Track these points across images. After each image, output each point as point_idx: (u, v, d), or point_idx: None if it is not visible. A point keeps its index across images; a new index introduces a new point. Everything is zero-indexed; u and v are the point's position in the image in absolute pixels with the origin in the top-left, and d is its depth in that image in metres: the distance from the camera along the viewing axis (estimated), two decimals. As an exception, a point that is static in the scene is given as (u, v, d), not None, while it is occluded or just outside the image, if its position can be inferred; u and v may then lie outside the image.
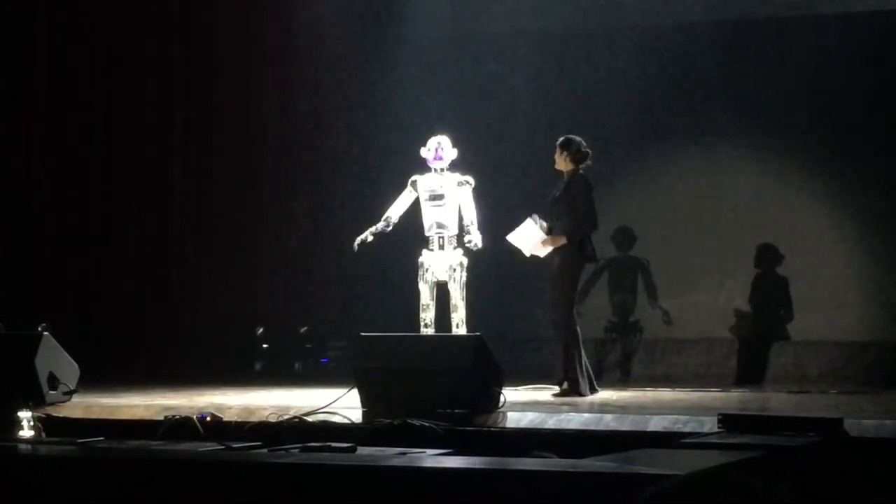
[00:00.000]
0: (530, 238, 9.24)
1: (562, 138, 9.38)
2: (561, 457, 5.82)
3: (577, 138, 9.36)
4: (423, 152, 9.49)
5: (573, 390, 9.02)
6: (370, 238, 9.48)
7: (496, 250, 11.64)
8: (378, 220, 9.62)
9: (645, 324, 12.45)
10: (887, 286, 12.11)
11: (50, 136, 12.36)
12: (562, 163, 9.30)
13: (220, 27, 13.02)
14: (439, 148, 9.43)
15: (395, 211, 9.54)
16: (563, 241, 9.15)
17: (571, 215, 9.17)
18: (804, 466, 5.82)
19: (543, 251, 9.23)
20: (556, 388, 9.19)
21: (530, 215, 9.30)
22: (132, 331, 12.26)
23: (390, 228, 9.49)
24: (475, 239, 9.25)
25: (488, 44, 13.22)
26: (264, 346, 12.58)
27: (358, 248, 9.49)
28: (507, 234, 9.38)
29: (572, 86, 12.72)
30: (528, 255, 9.33)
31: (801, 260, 12.12)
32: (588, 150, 9.33)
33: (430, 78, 13.01)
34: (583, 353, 9.19)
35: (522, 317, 12.38)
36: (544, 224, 9.23)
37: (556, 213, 9.24)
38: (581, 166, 9.31)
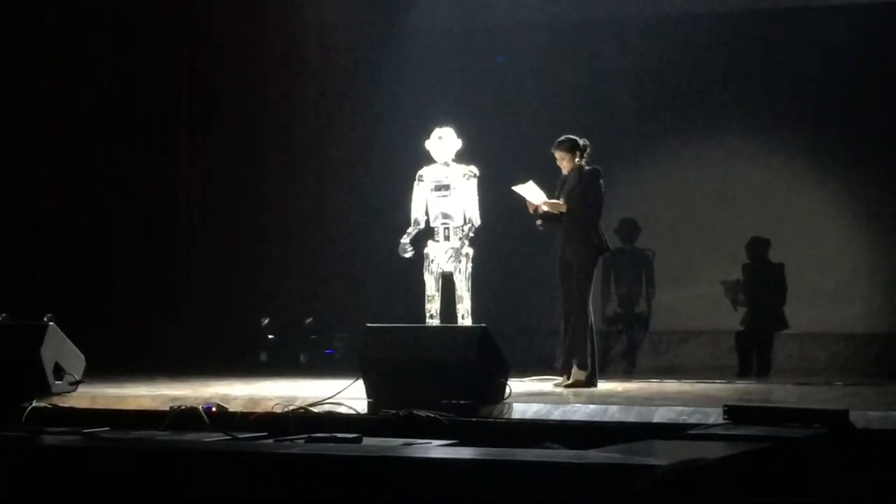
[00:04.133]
0: (534, 195, 9.22)
1: (562, 140, 9.29)
2: (566, 448, 5.83)
3: (569, 136, 9.32)
4: (427, 144, 9.49)
5: (589, 382, 9.03)
6: (408, 242, 9.42)
7: (502, 241, 11.66)
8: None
9: (650, 316, 12.45)
10: (891, 278, 12.11)
11: (55, 130, 12.36)
12: (569, 164, 9.26)
13: (226, 18, 13.01)
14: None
15: (419, 211, 9.47)
16: (562, 207, 9.13)
17: (584, 206, 9.16)
18: (809, 458, 5.82)
19: (542, 207, 9.21)
20: (559, 378, 9.20)
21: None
22: (138, 321, 12.27)
23: (422, 226, 9.47)
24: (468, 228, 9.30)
25: (494, 35, 13.22)
26: (270, 336, 12.60)
27: (406, 253, 9.41)
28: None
29: (578, 77, 12.73)
30: (537, 202, 9.24)
31: (807, 252, 12.13)
32: (583, 141, 9.30)
33: (436, 69, 13.02)
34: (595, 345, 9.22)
35: (528, 308, 12.39)
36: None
37: (573, 212, 9.17)
38: (585, 159, 9.30)
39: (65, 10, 12.39)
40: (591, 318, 9.18)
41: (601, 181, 9.24)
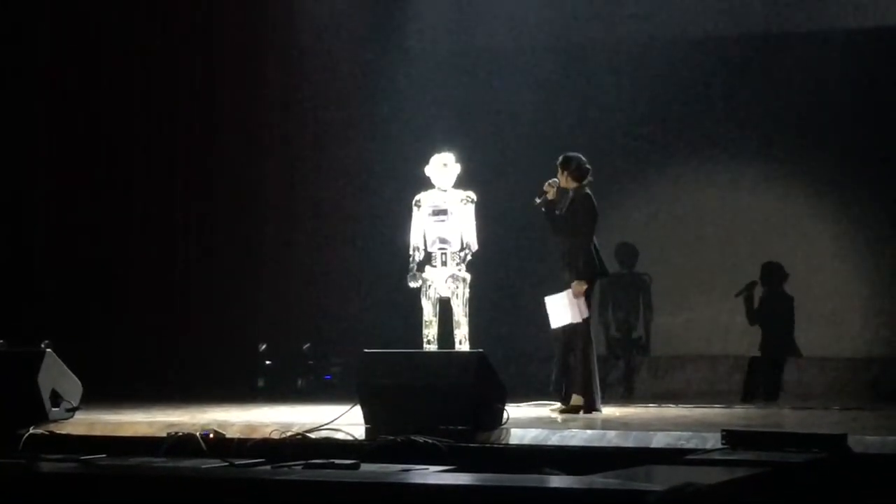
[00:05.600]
0: (561, 308, 9.15)
1: (561, 157, 9.36)
2: (564, 473, 5.82)
3: (577, 155, 9.34)
4: (428, 170, 9.50)
5: (590, 408, 9.01)
6: (416, 270, 9.43)
7: (499, 266, 11.65)
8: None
9: (648, 340, 12.44)
10: (890, 302, 12.11)
11: (52, 154, 12.37)
12: (564, 181, 9.30)
13: (223, 40, 13.04)
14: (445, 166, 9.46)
15: (418, 238, 9.48)
16: (584, 286, 9.10)
17: (575, 231, 9.17)
18: (808, 483, 5.81)
19: (574, 309, 9.13)
20: (557, 404, 9.18)
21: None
22: (135, 347, 12.25)
23: (422, 252, 9.48)
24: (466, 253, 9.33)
25: (491, 58, 13.24)
26: (267, 362, 12.56)
27: (416, 282, 9.40)
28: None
29: (575, 101, 12.73)
30: (553, 325, 9.23)
31: (804, 276, 12.11)
32: (589, 166, 9.32)
33: (433, 93, 13.03)
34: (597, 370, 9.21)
35: (525, 333, 12.37)
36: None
37: (562, 230, 9.22)
38: (584, 182, 9.30)
39: (64, 18, 12.40)
40: (593, 343, 9.18)
41: (594, 206, 9.22)
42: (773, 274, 12.02)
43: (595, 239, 9.23)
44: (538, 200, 9.26)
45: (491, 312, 11.43)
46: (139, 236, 12.72)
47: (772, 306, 12.01)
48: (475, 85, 13.18)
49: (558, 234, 9.27)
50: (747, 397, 11.52)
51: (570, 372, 9.12)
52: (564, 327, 9.14)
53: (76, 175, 12.43)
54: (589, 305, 9.22)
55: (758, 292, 12.02)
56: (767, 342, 11.96)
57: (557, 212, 9.26)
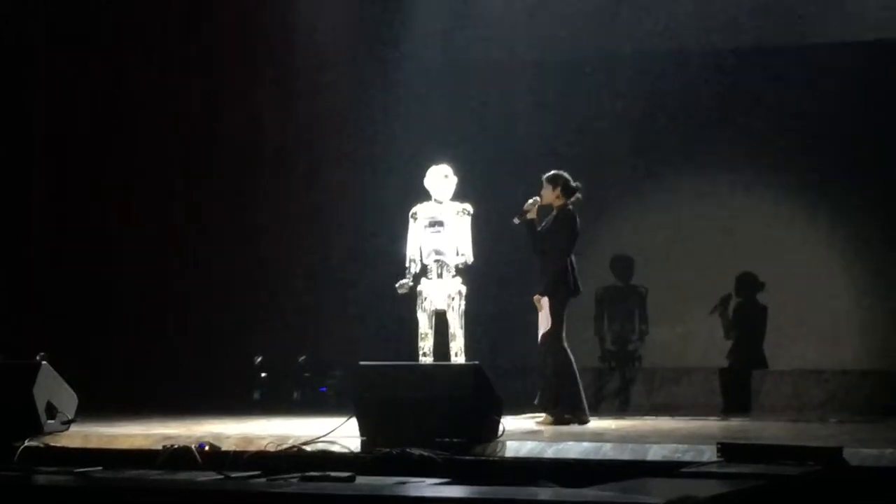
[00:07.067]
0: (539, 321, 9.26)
1: (550, 173, 9.37)
2: (561, 486, 5.82)
3: (563, 173, 9.35)
4: (427, 182, 9.51)
5: (577, 418, 9.01)
6: (410, 282, 9.46)
7: (494, 279, 11.65)
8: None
9: (643, 353, 12.44)
10: (885, 315, 12.11)
11: (49, 164, 12.37)
12: (552, 197, 9.30)
13: (220, 45, 13.05)
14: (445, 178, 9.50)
15: (414, 250, 9.52)
16: (544, 301, 9.16)
17: (552, 247, 9.19)
18: (803, 496, 5.82)
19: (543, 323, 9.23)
20: (542, 416, 9.19)
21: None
22: (131, 359, 12.24)
23: (419, 266, 9.51)
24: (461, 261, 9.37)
25: (485, 72, 13.25)
26: (263, 374, 12.56)
27: (403, 289, 9.45)
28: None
29: (569, 114, 12.73)
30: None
31: (799, 289, 12.12)
32: (576, 184, 9.32)
33: (427, 106, 13.02)
34: (579, 380, 9.20)
35: (521, 345, 12.36)
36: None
37: (545, 246, 9.23)
38: (570, 200, 9.30)
39: (60, 33, 12.42)
40: (569, 357, 9.17)
41: (576, 225, 9.23)
42: (748, 285, 12.05)
43: (573, 257, 9.24)
44: (517, 221, 9.28)
45: (486, 325, 11.43)
46: (135, 248, 12.71)
47: (764, 318, 12.02)
48: (470, 98, 13.18)
49: (538, 252, 9.29)
50: (737, 410, 11.49)
51: (551, 386, 9.14)
52: (541, 344, 9.17)
53: (73, 184, 12.43)
54: (562, 322, 9.20)
55: (733, 304, 12.06)
56: (741, 353, 12.00)
57: (539, 228, 9.28)
